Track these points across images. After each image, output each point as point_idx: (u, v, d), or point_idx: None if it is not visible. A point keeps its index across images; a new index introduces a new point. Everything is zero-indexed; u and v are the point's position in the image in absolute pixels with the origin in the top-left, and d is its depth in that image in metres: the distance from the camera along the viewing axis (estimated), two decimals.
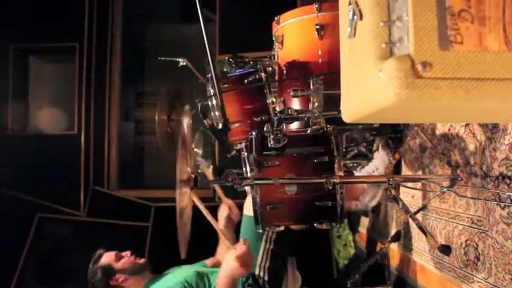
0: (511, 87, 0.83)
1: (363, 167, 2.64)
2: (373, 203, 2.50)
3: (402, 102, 0.81)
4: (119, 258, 2.43)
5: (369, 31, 0.90)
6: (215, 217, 2.47)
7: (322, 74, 1.93)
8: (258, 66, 2.26)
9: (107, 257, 2.44)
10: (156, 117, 3.20)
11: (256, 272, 2.25)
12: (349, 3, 0.98)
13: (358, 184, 2.39)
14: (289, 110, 1.81)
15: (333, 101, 1.78)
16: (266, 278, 2.24)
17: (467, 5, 0.82)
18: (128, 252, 2.49)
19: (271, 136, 1.74)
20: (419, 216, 2.10)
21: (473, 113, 1.09)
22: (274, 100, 2.21)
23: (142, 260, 2.49)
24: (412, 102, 0.82)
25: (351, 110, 1.08)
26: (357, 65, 1.01)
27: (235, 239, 2.46)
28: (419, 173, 2.28)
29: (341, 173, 1.69)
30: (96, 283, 2.41)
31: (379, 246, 2.92)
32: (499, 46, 0.83)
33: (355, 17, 0.97)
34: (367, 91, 0.92)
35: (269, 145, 1.76)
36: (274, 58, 2.33)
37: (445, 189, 1.72)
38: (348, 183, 1.98)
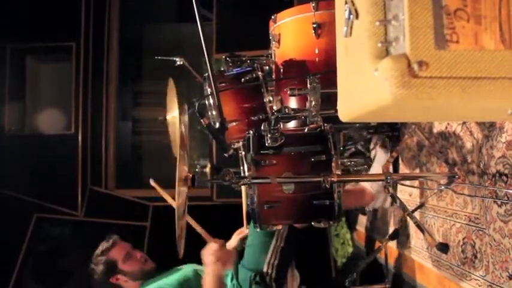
0: (507, 85, 0.83)
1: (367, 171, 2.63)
2: (387, 204, 2.50)
3: (398, 101, 0.81)
4: (129, 257, 2.39)
5: (365, 30, 0.90)
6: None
7: (319, 73, 1.93)
8: (255, 65, 2.26)
9: (118, 252, 2.40)
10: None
11: (265, 269, 2.25)
12: (345, 3, 0.98)
13: (367, 191, 2.39)
14: (287, 109, 1.81)
15: (330, 100, 1.78)
16: (274, 275, 2.24)
17: (463, 4, 0.82)
18: (140, 254, 2.44)
19: (269, 135, 1.74)
20: (417, 214, 2.10)
21: (470, 111, 1.09)
22: (271, 99, 2.21)
23: (150, 266, 2.44)
24: (408, 102, 0.82)
25: (347, 109, 1.08)
26: (353, 64, 1.01)
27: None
28: (417, 171, 2.28)
29: (338, 172, 1.68)
30: (95, 272, 2.38)
31: (377, 244, 2.93)
32: (495, 45, 0.83)
33: (351, 16, 0.97)
34: (364, 90, 0.92)
35: (266, 144, 1.76)
36: (271, 57, 2.33)
37: (442, 187, 1.73)
38: (345, 182, 1.99)
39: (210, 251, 1.96)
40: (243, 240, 2.53)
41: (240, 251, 2.50)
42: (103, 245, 2.43)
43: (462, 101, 0.84)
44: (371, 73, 0.86)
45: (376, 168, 2.45)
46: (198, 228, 2.09)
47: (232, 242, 2.55)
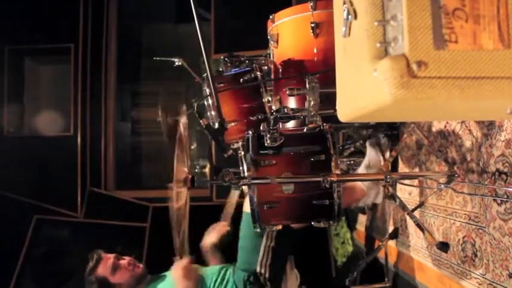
0: (506, 85, 0.83)
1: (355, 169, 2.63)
2: (379, 200, 2.50)
3: (397, 102, 0.81)
4: (115, 268, 2.37)
5: (364, 30, 0.90)
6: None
7: (318, 73, 1.93)
8: (254, 65, 2.26)
9: (104, 267, 2.38)
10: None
11: (258, 270, 2.25)
12: (344, 3, 0.98)
13: (357, 187, 2.39)
14: (285, 109, 1.81)
15: (329, 99, 1.78)
16: (267, 275, 2.24)
17: (462, 4, 0.82)
18: (126, 261, 2.41)
19: (268, 135, 1.74)
20: (416, 213, 2.10)
21: (469, 111, 1.09)
22: (270, 99, 2.21)
23: (140, 268, 2.43)
24: (407, 102, 0.82)
25: (346, 109, 1.08)
26: (352, 64, 1.01)
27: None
28: (416, 170, 2.28)
29: (338, 171, 1.68)
30: None
31: (377, 243, 2.93)
32: (493, 44, 0.83)
33: (350, 16, 0.97)
34: (362, 91, 0.92)
35: (266, 144, 1.76)
36: (269, 57, 2.33)
37: (442, 186, 1.73)
38: (345, 181, 1.99)
39: (180, 265, 2.14)
40: (224, 236, 2.54)
41: (223, 247, 2.53)
42: (89, 265, 2.41)
43: (461, 101, 0.84)
44: (370, 73, 0.85)
45: (364, 168, 2.43)
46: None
47: (211, 239, 2.57)
